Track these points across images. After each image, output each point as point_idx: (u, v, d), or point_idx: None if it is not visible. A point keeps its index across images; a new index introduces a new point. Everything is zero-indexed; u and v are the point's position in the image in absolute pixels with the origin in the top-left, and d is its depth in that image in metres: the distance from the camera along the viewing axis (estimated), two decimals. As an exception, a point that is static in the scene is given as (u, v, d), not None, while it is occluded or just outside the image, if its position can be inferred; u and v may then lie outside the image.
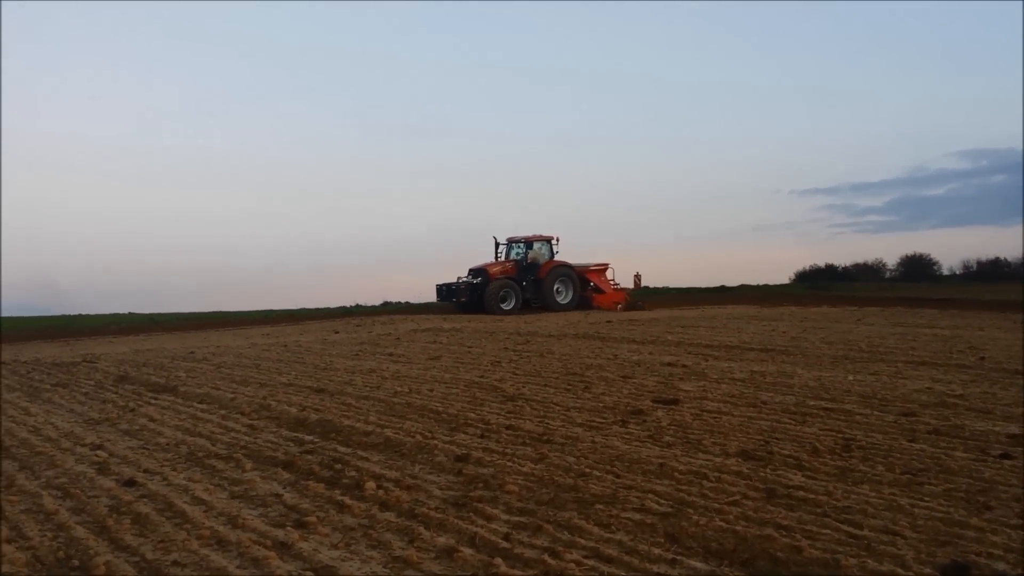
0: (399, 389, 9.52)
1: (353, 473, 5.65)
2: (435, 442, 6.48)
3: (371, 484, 5.29)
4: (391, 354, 14.04)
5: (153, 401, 9.46)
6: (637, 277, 30.73)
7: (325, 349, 15.50)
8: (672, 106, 66.61)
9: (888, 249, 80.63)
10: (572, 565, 3.73)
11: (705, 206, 65.79)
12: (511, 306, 27.22)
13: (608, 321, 20.70)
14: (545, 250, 28.94)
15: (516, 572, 3.71)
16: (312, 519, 4.65)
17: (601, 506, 4.65)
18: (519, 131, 67.09)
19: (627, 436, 6.57)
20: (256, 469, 5.95)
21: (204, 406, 8.96)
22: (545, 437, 6.57)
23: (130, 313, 31.58)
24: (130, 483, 5.61)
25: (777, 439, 6.31)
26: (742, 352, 12.38)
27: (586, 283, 29.23)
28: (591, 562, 3.80)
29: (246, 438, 7.05)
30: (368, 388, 9.73)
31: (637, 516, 4.46)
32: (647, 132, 66.75)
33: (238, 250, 57.32)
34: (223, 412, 8.49)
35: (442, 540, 4.21)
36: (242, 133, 62.88)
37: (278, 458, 6.23)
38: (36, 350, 17.94)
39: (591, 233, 63.53)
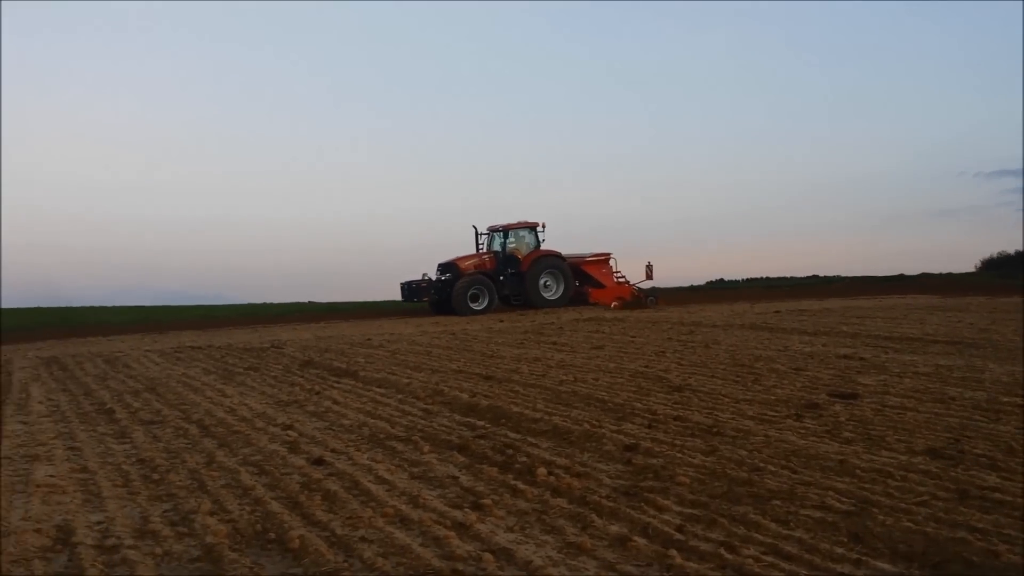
0: (564, 378, 9.64)
1: (524, 459, 5.79)
2: (603, 431, 6.52)
3: (542, 470, 5.40)
4: (555, 343, 14.21)
5: (336, 385, 10.05)
6: (648, 268, 26.87)
7: (491, 337, 15.89)
8: (844, 85, 63.24)
9: (1088, 235, 73.22)
10: (750, 560, 3.68)
11: (881, 190, 62.12)
12: (483, 305, 24.25)
13: (776, 312, 20.02)
14: (530, 239, 25.94)
15: (692, 564, 3.69)
16: (487, 502, 4.81)
17: (778, 502, 4.55)
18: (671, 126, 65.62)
19: (803, 431, 6.36)
20: (433, 452, 6.21)
21: (382, 390, 9.43)
22: (715, 429, 6.48)
23: (310, 302, 33.55)
24: (319, 462, 5.98)
25: (968, 437, 5.91)
26: (925, 345, 11.65)
27: (584, 276, 26.37)
28: (769, 558, 3.73)
29: (422, 422, 7.37)
30: (534, 376, 9.91)
31: (817, 513, 4.32)
32: (818, 112, 63.78)
33: (409, 241, 59.36)
34: (400, 396, 8.91)
35: (615, 528, 4.25)
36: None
37: (453, 442, 6.48)
38: (228, 336, 19.41)
39: (745, 222, 61.50)
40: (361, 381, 10.30)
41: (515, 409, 7.61)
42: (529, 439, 6.49)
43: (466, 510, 4.69)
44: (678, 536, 4.07)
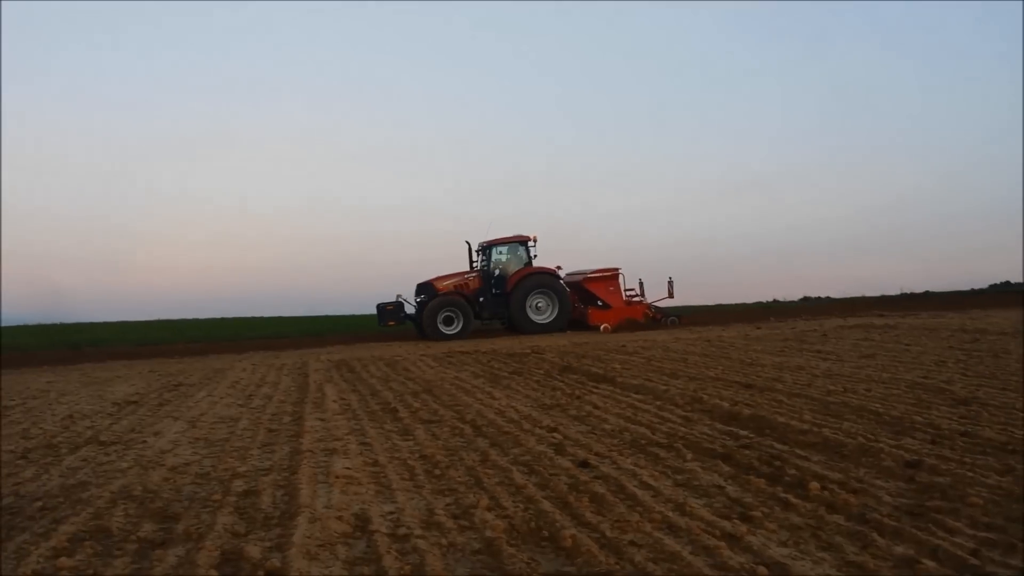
0: (832, 388, 9.18)
1: (793, 471, 5.60)
2: (880, 445, 6.15)
3: (815, 484, 5.20)
4: (819, 351, 13.55)
5: (595, 390, 10.27)
6: (670, 285, 23.68)
7: (748, 344, 15.46)
8: None
9: None
10: (1061, 592, 3.35)
11: None
12: (456, 329, 22.34)
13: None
14: (522, 253, 23.23)
15: (991, 592, 3.42)
16: (757, 514, 4.72)
17: (1091, 530, 4.08)
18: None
19: (1120, 452, 5.63)
20: (696, 460, 6.18)
21: (640, 396, 9.50)
22: (1010, 447, 5.90)
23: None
24: (584, 464, 6.15)
25: None
26: None
27: (588, 296, 23.47)
28: (1084, 592, 3.37)
29: (683, 429, 7.35)
30: (798, 386, 9.53)
31: None
32: None
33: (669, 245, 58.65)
34: (658, 403, 8.94)
35: (900, 549, 4.02)
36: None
37: (716, 450, 6.41)
38: (491, 342, 20.43)
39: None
40: (619, 387, 10.44)
41: (780, 419, 7.37)
42: (797, 451, 6.27)
43: (735, 521, 4.63)
44: (973, 561, 3.77)
